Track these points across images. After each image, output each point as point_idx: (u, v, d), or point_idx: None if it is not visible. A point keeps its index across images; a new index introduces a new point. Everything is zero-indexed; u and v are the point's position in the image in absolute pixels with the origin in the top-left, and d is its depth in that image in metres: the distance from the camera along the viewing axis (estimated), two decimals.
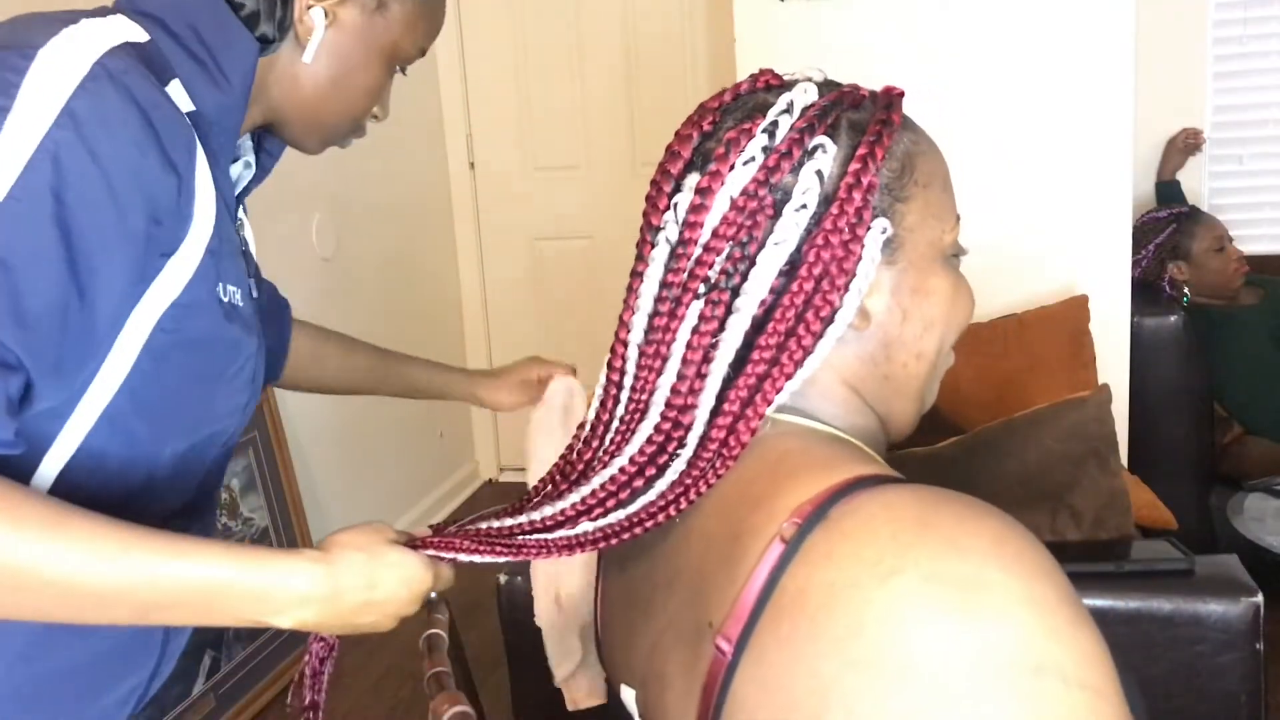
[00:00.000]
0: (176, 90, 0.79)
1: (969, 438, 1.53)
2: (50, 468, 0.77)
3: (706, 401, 0.62)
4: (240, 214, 0.95)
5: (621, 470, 0.65)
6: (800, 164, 0.62)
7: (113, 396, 0.78)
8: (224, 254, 0.83)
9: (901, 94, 0.67)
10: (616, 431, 0.67)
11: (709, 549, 0.62)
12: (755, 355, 0.62)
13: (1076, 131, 2.20)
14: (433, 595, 0.92)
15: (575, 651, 1.16)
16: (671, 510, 0.63)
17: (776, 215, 0.62)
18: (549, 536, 0.67)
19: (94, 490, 0.79)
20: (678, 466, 0.63)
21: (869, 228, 0.62)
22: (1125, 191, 2.21)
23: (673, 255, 0.64)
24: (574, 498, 0.67)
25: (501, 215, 3.59)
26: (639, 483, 0.64)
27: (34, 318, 0.68)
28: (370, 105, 0.96)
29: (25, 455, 0.74)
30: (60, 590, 0.65)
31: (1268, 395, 2.59)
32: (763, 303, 0.62)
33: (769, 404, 0.62)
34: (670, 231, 0.65)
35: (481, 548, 0.69)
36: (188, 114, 0.79)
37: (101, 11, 0.78)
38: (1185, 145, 3.02)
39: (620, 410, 0.67)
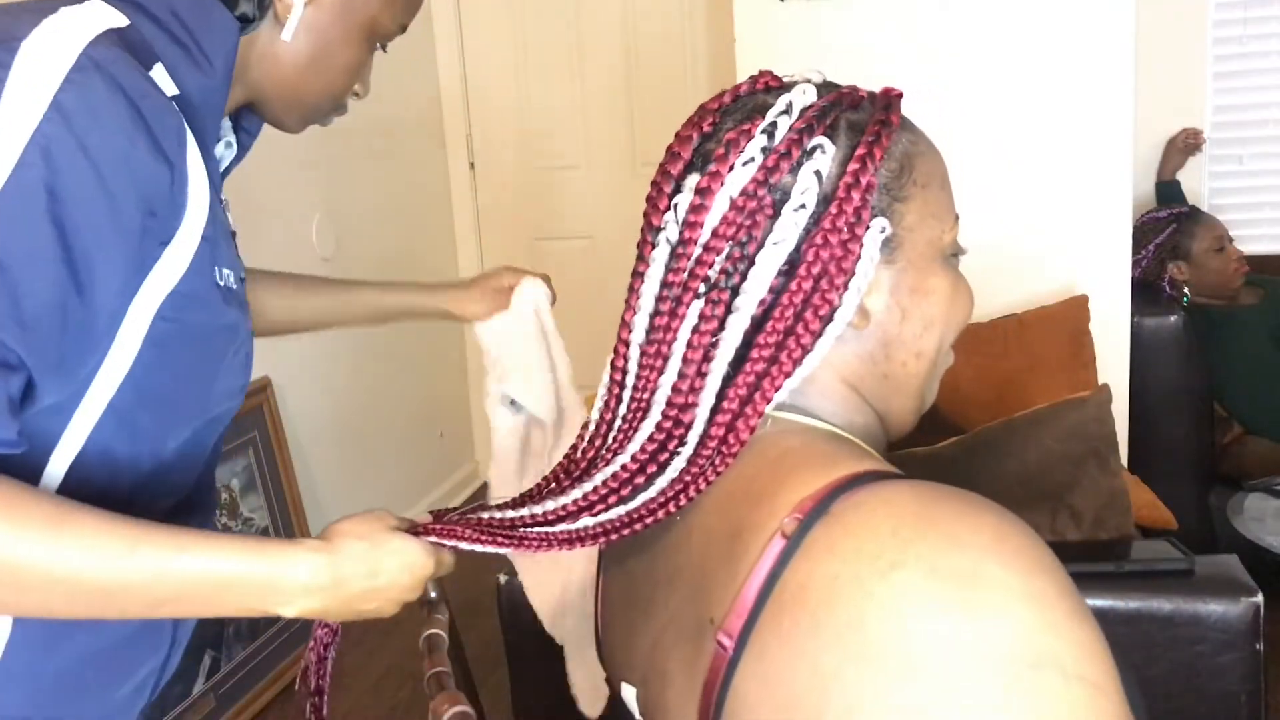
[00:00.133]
0: (160, 74, 0.78)
1: (969, 438, 1.53)
2: (58, 465, 0.77)
3: (707, 400, 0.63)
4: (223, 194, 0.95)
5: (623, 467, 0.65)
6: (799, 164, 0.62)
7: (117, 389, 0.78)
8: (218, 238, 0.83)
9: (900, 95, 0.67)
10: (619, 430, 0.67)
11: (710, 546, 0.62)
12: (755, 354, 0.62)
13: (1076, 131, 2.20)
14: (432, 594, 0.93)
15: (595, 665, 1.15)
16: (671, 506, 0.64)
17: (776, 215, 0.62)
18: (550, 530, 0.67)
19: (103, 485, 0.80)
20: (678, 464, 0.64)
21: (868, 227, 0.62)
22: (1125, 191, 2.21)
23: (673, 255, 0.64)
24: (576, 493, 0.67)
25: (501, 215, 3.60)
26: (640, 479, 0.65)
27: (33, 316, 0.68)
28: (351, 83, 0.95)
29: (32, 453, 0.74)
30: (68, 588, 0.66)
31: (1268, 395, 2.59)
32: (762, 302, 0.62)
33: (768, 402, 0.63)
34: (670, 232, 0.65)
35: (483, 538, 0.70)
36: (172, 98, 0.78)
37: None
38: (1185, 145, 3.02)
39: (623, 409, 0.67)
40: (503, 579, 1.47)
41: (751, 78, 0.68)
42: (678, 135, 0.68)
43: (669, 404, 0.64)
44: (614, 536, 0.65)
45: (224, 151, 0.96)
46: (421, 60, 3.46)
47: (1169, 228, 2.70)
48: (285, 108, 0.93)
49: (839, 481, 0.57)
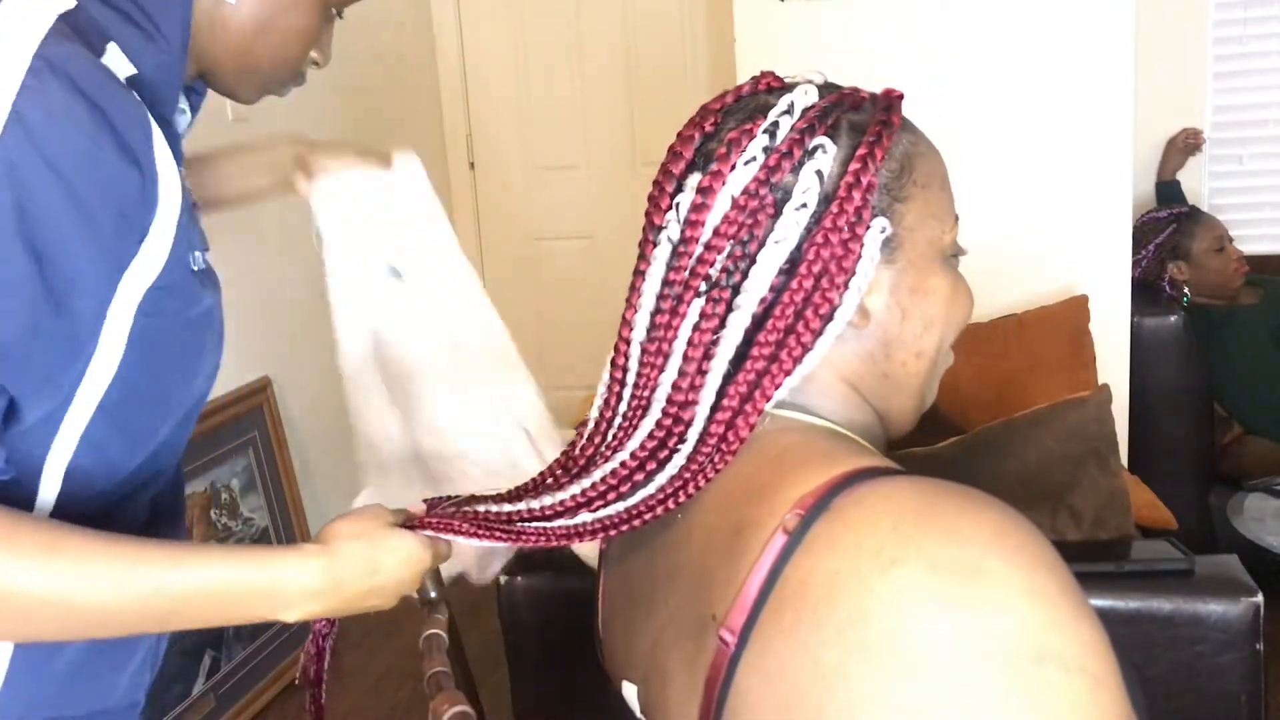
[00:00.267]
0: (115, 55, 0.75)
1: (969, 438, 1.54)
2: (54, 468, 0.77)
3: (707, 398, 0.63)
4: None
5: (623, 464, 0.65)
6: (801, 164, 0.62)
7: (105, 390, 0.77)
8: (188, 223, 0.81)
9: (901, 96, 0.68)
10: (619, 427, 0.67)
11: (710, 543, 0.62)
12: (755, 352, 0.62)
13: (1076, 131, 2.20)
14: (433, 594, 0.92)
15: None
16: (670, 504, 0.64)
17: (777, 214, 0.62)
18: (547, 525, 0.68)
19: (103, 484, 0.80)
20: (678, 461, 0.64)
21: (868, 227, 0.63)
22: (1125, 191, 2.21)
23: (674, 254, 0.65)
24: (574, 489, 0.67)
25: (501, 215, 3.60)
26: (639, 476, 0.65)
27: (10, 341, 0.68)
28: (305, 50, 0.90)
29: (27, 460, 0.74)
30: (68, 613, 0.66)
31: (1268, 395, 2.59)
32: (763, 300, 0.62)
33: (768, 400, 0.63)
34: (672, 230, 0.65)
35: (480, 531, 0.70)
36: (128, 78, 0.75)
37: None
38: (1185, 145, 3.02)
39: (623, 406, 0.68)
40: (503, 579, 1.47)
41: (753, 78, 0.68)
42: (680, 135, 0.68)
43: (669, 401, 0.64)
44: (612, 532, 0.66)
45: (180, 119, 0.92)
46: (421, 60, 3.46)
47: (1169, 228, 2.70)
48: (237, 77, 0.89)
49: (840, 478, 0.57)
